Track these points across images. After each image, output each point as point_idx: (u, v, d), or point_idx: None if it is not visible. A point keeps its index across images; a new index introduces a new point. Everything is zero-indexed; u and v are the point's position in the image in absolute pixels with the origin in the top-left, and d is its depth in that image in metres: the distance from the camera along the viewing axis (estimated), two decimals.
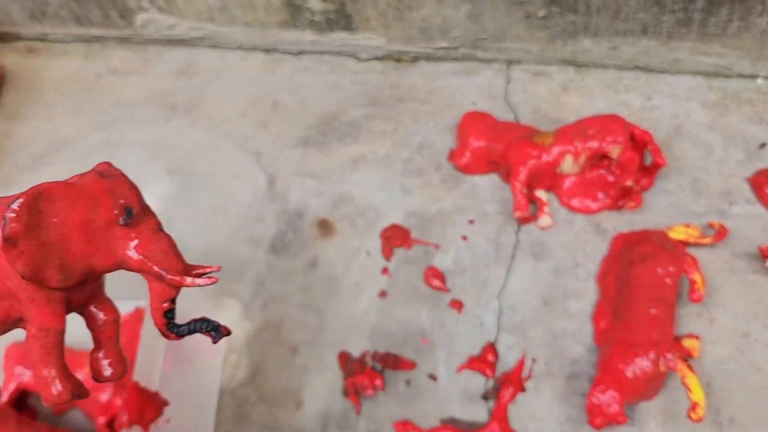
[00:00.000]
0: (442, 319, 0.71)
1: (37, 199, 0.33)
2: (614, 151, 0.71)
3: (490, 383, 0.67)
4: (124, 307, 0.70)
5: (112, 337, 0.38)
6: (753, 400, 0.64)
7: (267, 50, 0.94)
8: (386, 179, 0.81)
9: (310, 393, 0.68)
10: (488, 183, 0.79)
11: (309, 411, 0.67)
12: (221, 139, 0.87)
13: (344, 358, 0.70)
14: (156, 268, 0.36)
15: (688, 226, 0.71)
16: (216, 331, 0.38)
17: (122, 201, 0.36)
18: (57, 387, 0.35)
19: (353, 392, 0.68)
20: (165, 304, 0.37)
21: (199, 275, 0.38)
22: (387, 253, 0.75)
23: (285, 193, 0.81)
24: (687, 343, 0.65)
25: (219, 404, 0.68)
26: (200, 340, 0.66)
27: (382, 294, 0.73)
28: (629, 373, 0.61)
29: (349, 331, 0.71)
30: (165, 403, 0.52)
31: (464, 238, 0.75)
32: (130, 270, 0.37)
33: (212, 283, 0.37)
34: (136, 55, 0.96)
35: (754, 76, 0.81)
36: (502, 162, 0.76)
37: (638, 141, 0.73)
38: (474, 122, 0.79)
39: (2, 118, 0.93)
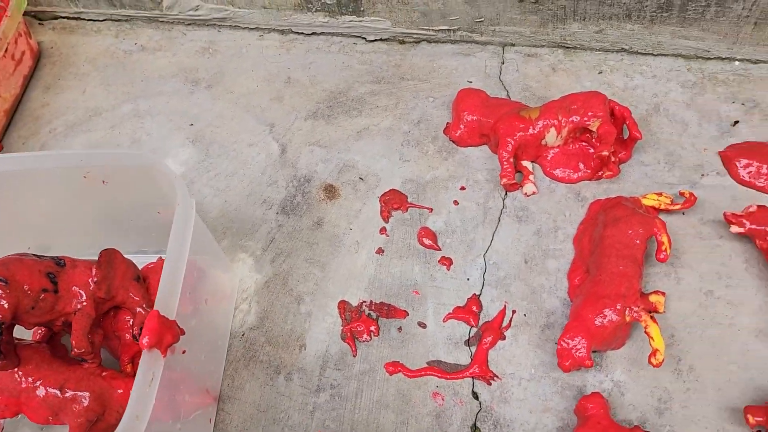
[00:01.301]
0: (433, 273, 0.78)
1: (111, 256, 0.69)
2: (594, 124, 0.78)
3: (473, 331, 0.74)
4: (150, 259, 0.79)
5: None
6: (711, 351, 0.70)
7: (282, 31, 1.02)
8: (387, 149, 0.88)
9: (312, 337, 0.76)
10: (480, 154, 0.86)
11: (310, 352, 0.75)
12: (239, 111, 0.95)
13: (343, 307, 0.77)
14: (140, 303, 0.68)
15: (660, 194, 0.77)
16: None
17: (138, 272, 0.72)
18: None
19: (350, 337, 0.75)
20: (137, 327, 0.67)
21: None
22: (385, 215, 0.83)
23: (295, 160, 0.89)
24: (653, 298, 0.71)
25: (230, 345, 0.76)
26: (216, 285, 0.74)
27: (380, 251, 0.80)
28: (597, 322, 0.68)
29: (349, 283, 0.79)
30: (182, 332, 0.60)
31: (456, 202, 0.83)
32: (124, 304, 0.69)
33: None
34: (163, 34, 1.05)
35: (731, 59, 0.87)
36: (492, 134, 0.83)
37: (617, 116, 0.80)
38: (468, 98, 0.86)
39: (40, 89, 1.02)
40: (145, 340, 0.56)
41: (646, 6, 0.83)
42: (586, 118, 0.78)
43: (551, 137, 0.80)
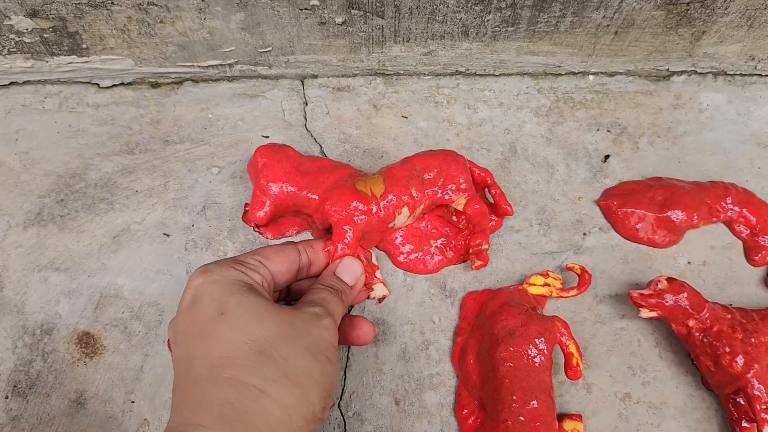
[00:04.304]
0: None
1: None
2: (459, 201, 0.57)
3: None
4: None
5: None
6: None
7: None
8: (164, 259, 0.60)
9: None
10: None
11: None
12: None
13: None
14: None
15: (546, 275, 0.59)
16: None
17: None
18: None
19: None
20: None
21: None
22: None
23: (20, 299, 0.57)
24: (569, 425, 0.54)
25: None
26: None
27: None
28: None
29: None
30: None
31: None
32: None
33: None
34: None
35: (584, 73, 0.70)
36: (319, 217, 0.58)
37: (477, 181, 0.60)
38: (272, 161, 0.58)
39: None
40: None
41: (488, 21, 0.62)
42: (447, 193, 0.57)
43: (402, 218, 0.58)
